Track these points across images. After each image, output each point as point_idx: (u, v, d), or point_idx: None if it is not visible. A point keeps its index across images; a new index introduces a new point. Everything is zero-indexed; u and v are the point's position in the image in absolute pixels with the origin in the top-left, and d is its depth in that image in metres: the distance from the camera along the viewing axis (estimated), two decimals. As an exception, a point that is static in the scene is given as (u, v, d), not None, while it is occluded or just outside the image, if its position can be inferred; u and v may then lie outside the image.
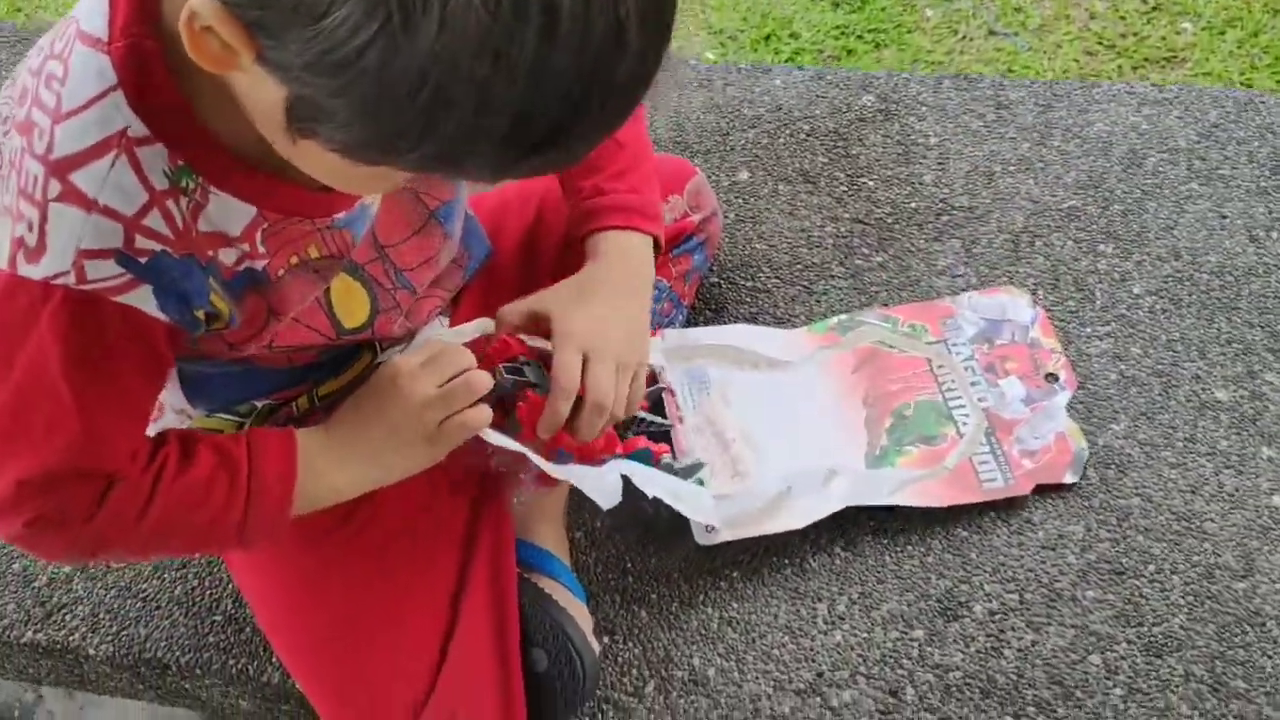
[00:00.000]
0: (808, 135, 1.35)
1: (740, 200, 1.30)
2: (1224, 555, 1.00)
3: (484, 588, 0.93)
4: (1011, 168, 1.29)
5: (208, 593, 1.06)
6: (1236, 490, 1.04)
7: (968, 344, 1.13)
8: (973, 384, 1.10)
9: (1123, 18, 1.56)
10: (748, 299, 1.21)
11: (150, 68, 0.62)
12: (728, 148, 1.35)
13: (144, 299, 0.67)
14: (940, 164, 1.30)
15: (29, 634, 1.05)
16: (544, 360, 0.91)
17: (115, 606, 1.05)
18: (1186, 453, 1.06)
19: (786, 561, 1.03)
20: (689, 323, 1.18)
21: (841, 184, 1.30)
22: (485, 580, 0.94)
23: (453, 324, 1.01)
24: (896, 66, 1.53)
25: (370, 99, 0.52)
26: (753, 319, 1.19)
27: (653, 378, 1.06)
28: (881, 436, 1.08)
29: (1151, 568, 1.00)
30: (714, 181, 1.30)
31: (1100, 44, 1.53)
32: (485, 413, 0.85)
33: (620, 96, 0.55)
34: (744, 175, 1.32)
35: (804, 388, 1.12)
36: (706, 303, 1.21)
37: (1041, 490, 1.04)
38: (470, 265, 1.00)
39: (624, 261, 0.95)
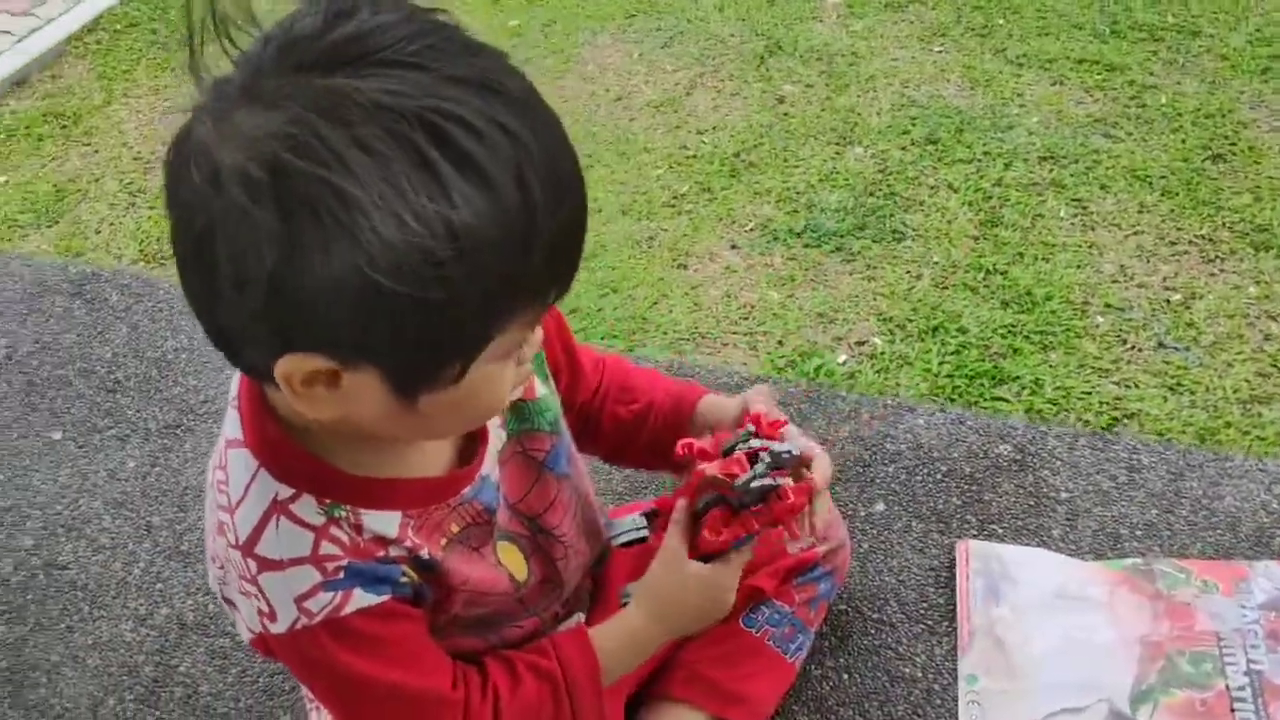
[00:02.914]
0: (944, 476, 1.45)
1: (874, 531, 1.39)
2: None
3: None
4: (1139, 533, 1.35)
5: None
6: None
7: (1257, 608, 1.25)
8: (1252, 646, 1.21)
9: (1300, 339, 1.53)
10: (873, 631, 1.29)
11: (277, 444, 0.79)
12: (867, 479, 1.46)
13: (363, 598, 0.82)
14: (1069, 520, 1.38)
15: None
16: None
17: None
18: None
19: None
20: (814, 650, 1.26)
21: (972, 528, 1.39)
22: None
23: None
24: (1063, 369, 1.57)
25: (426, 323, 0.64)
26: (874, 651, 1.27)
27: None
28: (1150, 675, 1.19)
29: None
30: (850, 511, 1.40)
31: (1274, 366, 1.50)
32: None
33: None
34: (880, 507, 1.42)
35: (1090, 618, 1.25)
36: (833, 629, 1.30)
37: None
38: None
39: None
